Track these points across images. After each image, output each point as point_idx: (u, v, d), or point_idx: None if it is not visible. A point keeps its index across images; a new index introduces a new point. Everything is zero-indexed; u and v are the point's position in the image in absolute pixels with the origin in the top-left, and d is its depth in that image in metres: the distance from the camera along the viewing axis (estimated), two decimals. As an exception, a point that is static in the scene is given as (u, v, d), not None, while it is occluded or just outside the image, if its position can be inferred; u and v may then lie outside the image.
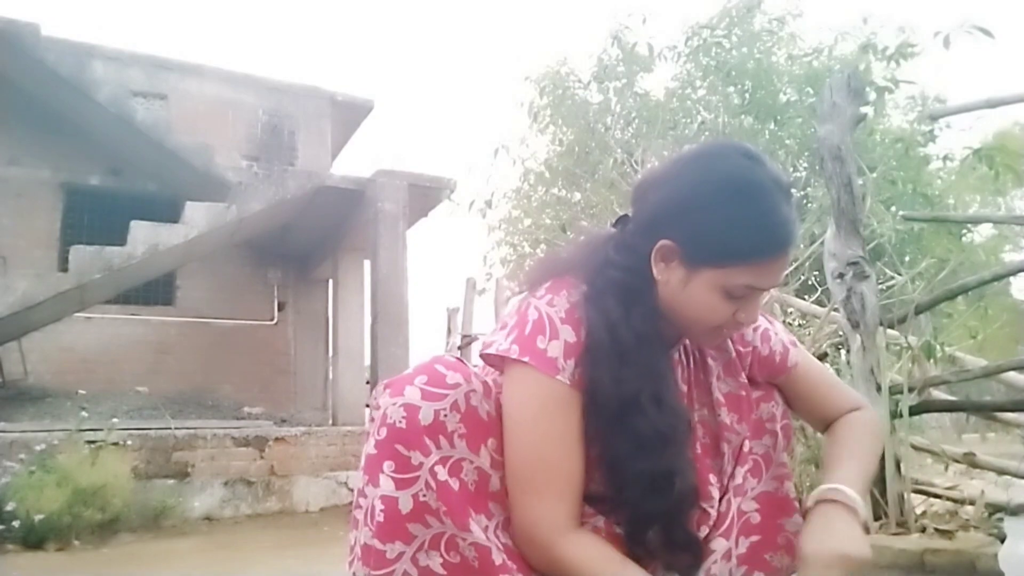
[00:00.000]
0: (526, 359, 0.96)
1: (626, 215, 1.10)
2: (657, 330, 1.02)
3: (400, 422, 0.93)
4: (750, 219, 0.96)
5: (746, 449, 1.12)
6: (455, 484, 0.93)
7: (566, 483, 0.97)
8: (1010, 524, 2.52)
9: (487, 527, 0.96)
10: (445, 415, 0.94)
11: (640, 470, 0.96)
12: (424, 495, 0.91)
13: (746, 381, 1.14)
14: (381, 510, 0.92)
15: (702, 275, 0.98)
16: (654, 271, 1.01)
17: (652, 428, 0.97)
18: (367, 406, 7.81)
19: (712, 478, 1.08)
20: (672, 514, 0.99)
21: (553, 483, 0.96)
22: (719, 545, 1.05)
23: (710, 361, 1.14)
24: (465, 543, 0.92)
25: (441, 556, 0.93)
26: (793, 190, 1.03)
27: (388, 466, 0.92)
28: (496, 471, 0.98)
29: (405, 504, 0.91)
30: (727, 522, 1.07)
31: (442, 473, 0.92)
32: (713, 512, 1.06)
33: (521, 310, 1.02)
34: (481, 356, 1.05)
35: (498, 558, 0.94)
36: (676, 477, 0.98)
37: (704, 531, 1.05)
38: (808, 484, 2.94)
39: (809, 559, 0.97)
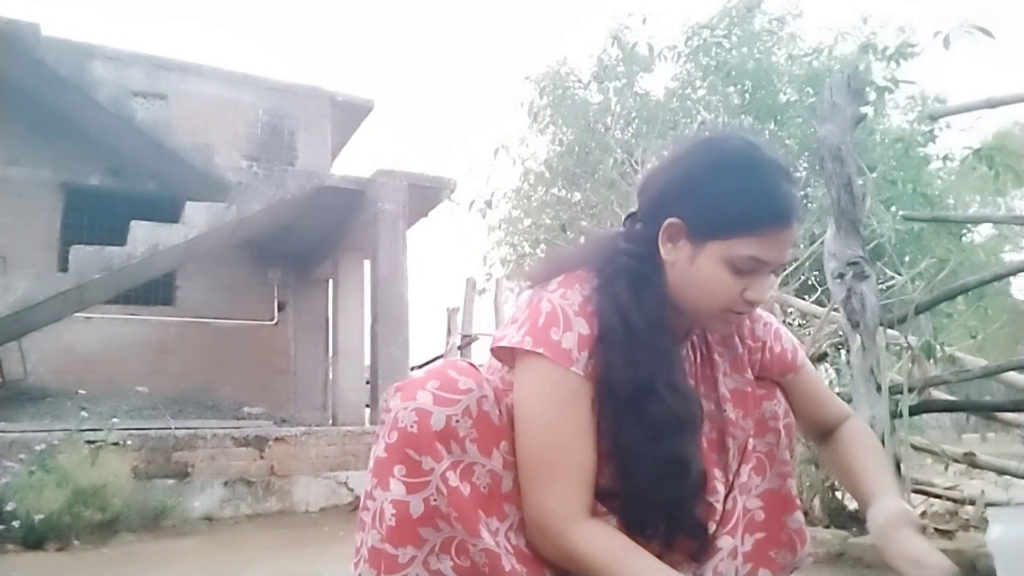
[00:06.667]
0: (540, 350, 0.96)
1: (634, 212, 1.10)
2: (667, 317, 1.02)
3: (411, 426, 0.92)
4: (751, 190, 0.98)
5: (750, 447, 1.13)
6: (466, 489, 0.93)
7: (578, 472, 0.96)
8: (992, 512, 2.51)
9: (497, 530, 0.95)
10: (457, 420, 0.93)
11: (656, 456, 0.95)
12: (435, 500, 0.91)
13: (752, 378, 1.14)
14: (392, 514, 0.91)
15: (708, 249, 0.98)
16: (662, 252, 1.02)
17: (668, 413, 0.96)
18: (367, 406, 7.84)
19: (717, 472, 1.07)
20: (684, 500, 0.98)
21: (565, 472, 0.95)
22: (726, 543, 1.05)
23: (716, 357, 1.13)
24: (476, 548, 0.92)
25: (452, 560, 0.93)
26: (795, 175, 1.04)
27: (399, 470, 0.91)
28: (508, 472, 0.97)
29: (416, 508, 0.91)
30: (733, 520, 1.07)
31: (453, 479, 0.92)
32: (719, 507, 1.06)
33: (533, 303, 1.01)
34: (492, 350, 1.04)
35: (507, 564, 0.93)
36: (691, 462, 0.98)
37: (711, 526, 1.05)
38: (808, 484, 2.94)
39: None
